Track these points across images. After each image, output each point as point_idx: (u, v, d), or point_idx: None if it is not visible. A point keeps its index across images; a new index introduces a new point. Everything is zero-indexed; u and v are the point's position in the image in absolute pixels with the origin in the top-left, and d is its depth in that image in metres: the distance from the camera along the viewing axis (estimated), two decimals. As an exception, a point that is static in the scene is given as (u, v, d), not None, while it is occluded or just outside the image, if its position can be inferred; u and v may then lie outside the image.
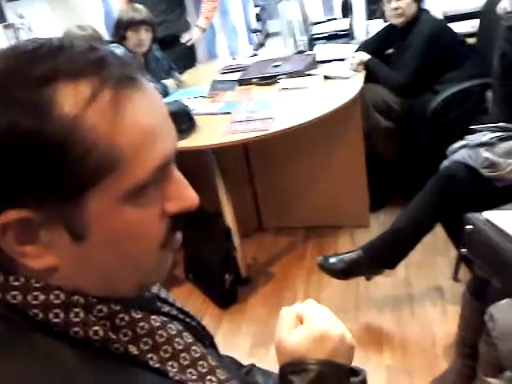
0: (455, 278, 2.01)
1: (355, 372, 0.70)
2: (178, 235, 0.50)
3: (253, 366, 0.81)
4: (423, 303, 1.98)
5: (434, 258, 2.18)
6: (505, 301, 1.10)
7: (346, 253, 1.88)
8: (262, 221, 2.70)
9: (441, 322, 1.86)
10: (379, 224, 2.44)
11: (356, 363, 0.74)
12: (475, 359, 1.32)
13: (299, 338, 0.58)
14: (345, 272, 1.85)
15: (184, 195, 0.48)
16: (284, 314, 0.61)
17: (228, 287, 2.14)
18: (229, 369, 0.57)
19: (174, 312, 0.58)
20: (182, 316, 0.59)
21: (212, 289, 2.22)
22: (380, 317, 1.95)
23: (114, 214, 0.43)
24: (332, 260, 1.87)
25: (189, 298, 2.25)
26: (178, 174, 0.48)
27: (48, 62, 0.41)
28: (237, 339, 1.99)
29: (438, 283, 2.05)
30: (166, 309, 0.57)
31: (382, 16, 2.58)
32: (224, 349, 0.76)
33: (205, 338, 0.62)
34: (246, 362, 0.84)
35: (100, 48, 0.44)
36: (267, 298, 2.19)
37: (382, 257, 1.81)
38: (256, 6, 3.47)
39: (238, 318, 2.10)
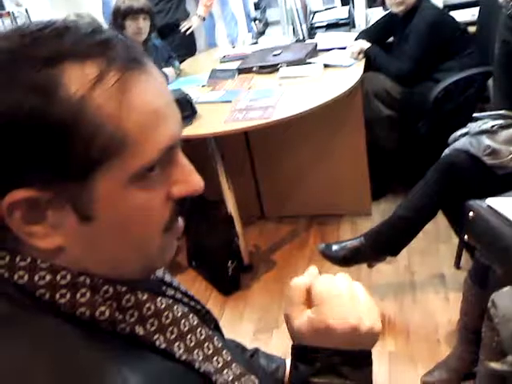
0: (457, 265, 2.04)
1: None
2: (180, 221, 0.51)
3: (257, 349, 0.82)
4: (425, 290, 2.00)
5: (436, 246, 2.20)
6: (507, 288, 1.12)
7: (348, 240, 1.89)
8: (264, 209, 2.71)
9: (443, 309, 1.88)
10: (381, 212, 2.45)
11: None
12: (477, 345, 1.34)
13: (305, 325, 0.55)
14: (347, 259, 1.87)
15: (189, 179, 0.48)
16: (294, 286, 0.59)
17: (231, 274, 2.16)
18: (233, 352, 0.58)
19: (179, 296, 0.58)
20: (186, 300, 0.59)
21: (215, 276, 2.23)
22: (382, 304, 1.97)
23: (121, 196, 0.43)
24: (334, 247, 1.88)
25: (192, 285, 2.27)
26: (183, 159, 0.49)
27: (54, 42, 0.41)
28: (240, 325, 2.01)
29: (440, 270, 2.07)
30: (171, 292, 0.58)
31: (382, 4, 2.57)
32: (227, 335, 0.77)
33: (210, 322, 0.63)
34: (249, 347, 0.85)
35: (105, 30, 0.44)
36: (269, 284, 2.21)
37: (384, 244, 1.82)
38: (255, -6, 3.45)
39: (240, 305, 2.12)
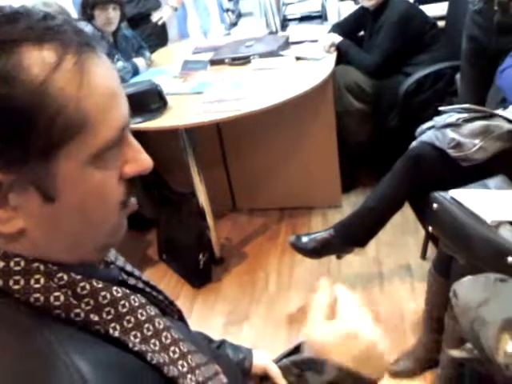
0: (423, 257, 2.08)
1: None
2: (133, 199, 0.52)
3: (223, 341, 0.82)
4: (392, 281, 2.03)
5: (403, 238, 2.24)
6: (467, 278, 1.15)
7: (318, 232, 1.91)
8: (236, 201, 2.71)
9: (409, 299, 1.92)
10: (351, 204, 2.48)
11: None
12: (441, 334, 1.37)
13: (326, 334, 0.57)
14: (316, 251, 1.88)
15: (139, 158, 0.50)
16: (317, 301, 0.61)
17: (202, 267, 2.15)
18: (199, 343, 0.58)
19: (141, 285, 0.58)
20: (148, 289, 0.59)
21: (186, 269, 2.23)
22: (351, 294, 1.99)
23: (81, 175, 0.45)
24: (304, 239, 1.90)
25: (163, 279, 2.26)
26: (132, 138, 0.50)
27: (7, 27, 0.42)
28: (211, 318, 2.01)
29: (406, 261, 2.11)
30: (132, 282, 0.58)
31: (354, -2, 2.58)
32: (198, 327, 0.77)
33: (173, 313, 0.63)
34: (218, 339, 0.85)
35: (56, 16, 0.45)
36: (241, 277, 2.22)
37: (353, 235, 1.85)
38: (228, -16, 3.42)
39: (211, 298, 2.12)
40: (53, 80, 0.41)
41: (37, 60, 0.41)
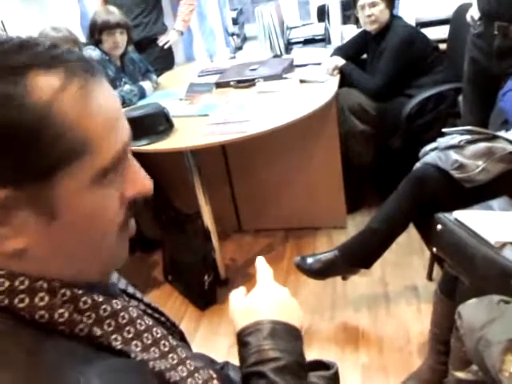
0: (429, 277, 2.07)
1: (327, 366, 0.73)
2: (132, 222, 0.54)
3: (227, 362, 0.83)
4: (398, 302, 2.02)
5: (409, 258, 2.23)
6: (472, 300, 1.15)
7: (323, 253, 1.91)
8: (241, 222, 2.72)
9: (415, 321, 1.91)
10: (356, 225, 2.48)
11: (333, 360, 0.76)
12: (447, 355, 1.36)
13: (248, 301, 0.67)
14: (322, 272, 1.88)
15: (139, 181, 0.52)
16: (233, 293, 0.72)
17: (207, 288, 2.15)
18: (201, 361, 0.59)
19: (142, 307, 0.60)
20: (150, 311, 0.60)
21: (191, 290, 2.22)
22: (356, 316, 1.99)
23: (82, 196, 0.46)
24: (309, 260, 1.90)
25: (168, 300, 2.26)
26: (134, 161, 0.52)
27: (17, 54, 0.44)
28: (215, 340, 2.00)
29: (412, 282, 2.10)
30: (134, 303, 0.59)
31: (356, 22, 2.63)
32: (203, 349, 0.78)
33: (175, 334, 0.64)
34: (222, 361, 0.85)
35: (61, 45, 0.48)
36: (246, 298, 2.21)
37: (358, 257, 1.85)
38: (233, 9, 3.49)
39: (216, 319, 2.12)
40: (57, 103, 0.44)
41: (43, 84, 0.43)
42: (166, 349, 0.54)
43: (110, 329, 0.49)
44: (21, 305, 0.45)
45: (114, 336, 0.49)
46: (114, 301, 0.52)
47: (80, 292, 0.49)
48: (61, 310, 0.46)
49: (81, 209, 0.46)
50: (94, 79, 0.47)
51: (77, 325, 0.47)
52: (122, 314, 0.51)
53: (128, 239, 0.54)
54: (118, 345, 0.49)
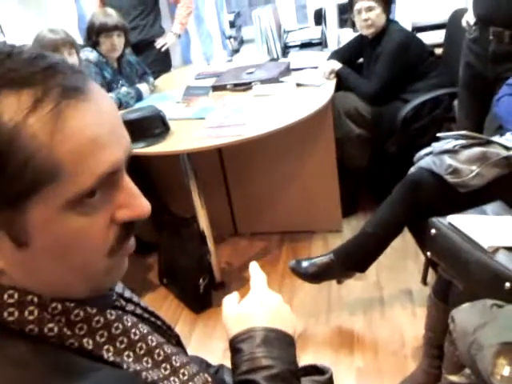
0: (424, 282, 2.08)
1: (321, 370, 0.73)
2: (131, 241, 0.51)
3: (221, 365, 0.83)
4: (393, 306, 2.03)
5: (403, 262, 2.24)
6: (465, 304, 1.15)
7: (318, 257, 1.91)
8: (237, 226, 2.72)
9: (410, 324, 1.91)
10: (351, 229, 2.49)
11: (327, 365, 0.77)
12: (441, 359, 1.37)
13: (241, 307, 0.67)
14: (317, 276, 1.89)
15: (134, 204, 0.48)
16: (226, 298, 0.71)
17: (202, 292, 2.15)
18: (197, 366, 0.59)
19: (139, 311, 0.60)
20: (147, 315, 0.60)
21: (186, 293, 2.22)
22: (351, 319, 1.99)
23: (56, 222, 0.44)
24: (304, 264, 1.90)
25: (163, 303, 2.25)
26: (128, 182, 0.49)
27: None
28: (210, 343, 2.00)
29: (407, 286, 2.11)
30: (131, 308, 0.59)
31: (352, 26, 2.64)
32: (198, 352, 0.78)
33: (171, 338, 0.64)
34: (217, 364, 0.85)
35: (49, 56, 0.45)
36: (241, 302, 2.21)
37: (353, 260, 1.85)
38: (230, 12, 3.50)
39: (212, 322, 2.11)
40: (25, 125, 0.41)
41: (12, 105, 0.41)
42: (160, 358, 0.53)
43: (102, 340, 0.49)
44: (10, 318, 0.45)
45: (106, 347, 0.49)
46: (108, 311, 0.51)
47: (72, 305, 0.48)
48: (50, 325, 0.46)
49: (55, 235, 0.44)
50: (76, 98, 0.43)
51: (67, 339, 0.47)
52: (115, 324, 0.51)
53: (125, 259, 0.52)
54: (110, 356, 0.48)
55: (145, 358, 0.52)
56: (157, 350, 0.54)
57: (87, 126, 0.44)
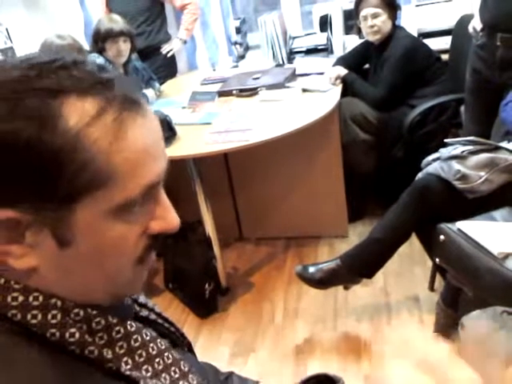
0: (431, 288, 2.06)
1: (333, 380, 0.72)
2: (153, 254, 0.53)
3: (231, 373, 0.82)
4: (400, 312, 2.01)
5: (411, 268, 2.22)
6: (475, 311, 1.14)
7: (325, 262, 1.90)
8: (243, 230, 2.72)
9: (417, 331, 1.90)
10: (358, 234, 2.48)
11: (334, 372, 0.76)
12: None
13: None
14: (323, 281, 1.88)
15: (167, 216, 0.50)
16: None
17: (208, 297, 2.14)
18: (206, 375, 0.59)
19: (153, 317, 0.59)
20: (160, 321, 0.60)
21: (192, 298, 2.22)
22: (358, 326, 1.98)
23: (100, 226, 0.45)
24: (311, 269, 1.89)
25: (168, 308, 2.25)
26: (163, 195, 0.51)
27: (59, 76, 0.43)
28: (216, 349, 1.99)
29: (414, 292, 2.09)
30: (145, 313, 0.59)
31: (358, 33, 2.64)
32: (203, 358, 0.77)
33: (183, 344, 0.63)
34: (225, 371, 0.85)
35: (109, 70, 0.47)
36: (247, 307, 2.20)
37: (360, 266, 1.84)
38: (236, 18, 3.51)
39: (217, 328, 2.11)
40: (87, 132, 0.43)
41: (77, 111, 0.43)
42: (177, 375, 0.53)
43: (122, 351, 0.49)
44: (33, 321, 0.45)
45: (124, 359, 0.49)
46: (129, 322, 0.51)
47: (94, 312, 0.48)
48: (72, 330, 0.46)
49: (97, 238, 0.46)
50: (135, 110, 0.46)
51: (87, 346, 0.47)
52: (134, 336, 0.51)
53: (146, 272, 0.53)
54: (127, 369, 0.48)
55: (163, 375, 0.52)
56: (173, 368, 0.54)
57: (142, 138, 0.46)
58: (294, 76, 2.66)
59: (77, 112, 0.43)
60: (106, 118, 0.44)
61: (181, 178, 2.23)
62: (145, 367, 0.50)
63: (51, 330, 0.45)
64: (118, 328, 0.50)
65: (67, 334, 0.46)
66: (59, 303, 0.47)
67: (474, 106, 2.18)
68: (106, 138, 0.44)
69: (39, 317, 0.45)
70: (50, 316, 0.46)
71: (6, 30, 3.12)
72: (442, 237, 1.40)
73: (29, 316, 0.45)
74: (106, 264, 0.47)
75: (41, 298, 0.46)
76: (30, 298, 0.46)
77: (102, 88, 0.45)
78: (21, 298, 0.45)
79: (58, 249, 0.45)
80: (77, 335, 0.46)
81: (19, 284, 0.46)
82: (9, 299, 0.45)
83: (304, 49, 3.18)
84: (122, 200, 0.45)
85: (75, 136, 0.42)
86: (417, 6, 3.00)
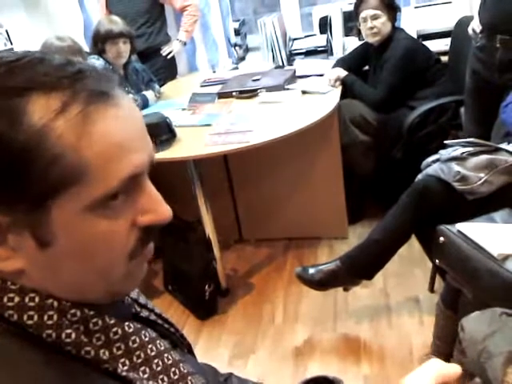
0: (431, 289, 2.07)
1: (333, 382, 0.72)
2: (150, 246, 0.52)
3: (231, 374, 0.82)
4: (400, 314, 2.01)
5: (411, 269, 2.22)
6: (475, 313, 1.14)
7: (324, 264, 1.90)
8: (242, 232, 2.72)
9: (418, 332, 1.89)
10: (357, 235, 2.48)
11: (334, 373, 0.76)
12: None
13: None
14: (323, 283, 1.88)
15: (156, 208, 0.49)
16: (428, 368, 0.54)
17: (208, 298, 2.14)
18: (206, 376, 0.58)
19: (153, 317, 0.59)
20: (160, 321, 0.60)
21: (192, 300, 2.22)
22: (358, 327, 1.98)
23: (80, 223, 0.44)
24: (310, 271, 1.89)
25: (168, 309, 2.25)
26: (150, 187, 0.50)
27: (26, 73, 0.43)
28: (216, 350, 1.99)
29: (414, 294, 2.09)
30: (145, 314, 0.58)
31: (358, 35, 2.64)
32: (203, 360, 0.77)
33: (183, 346, 0.63)
34: (223, 372, 0.85)
35: (79, 62, 0.46)
36: (247, 309, 2.20)
37: (360, 268, 1.84)
38: (236, 20, 3.51)
39: (217, 330, 2.11)
40: (53, 127, 0.42)
41: (41, 107, 0.42)
42: (176, 377, 0.53)
43: (119, 352, 0.49)
44: (29, 321, 0.45)
45: (122, 360, 0.48)
46: (127, 323, 0.51)
47: (91, 313, 0.48)
48: (68, 331, 0.46)
49: (79, 236, 0.45)
50: (105, 102, 0.45)
51: (84, 346, 0.46)
52: (133, 337, 0.50)
53: (144, 265, 0.52)
54: (124, 370, 0.48)
55: (161, 376, 0.51)
56: (172, 369, 0.53)
57: (114, 131, 0.45)
58: (293, 78, 2.67)
59: (41, 108, 0.42)
60: (71, 112, 0.43)
61: (181, 179, 2.23)
62: (142, 368, 0.50)
63: (47, 331, 0.45)
64: (115, 329, 0.49)
65: (63, 335, 0.45)
66: (56, 304, 0.46)
67: (474, 107, 2.18)
68: (73, 132, 0.42)
69: (35, 318, 0.45)
70: (46, 317, 0.45)
71: (6, 31, 3.13)
72: (441, 238, 1.40)
73: (25, 317, 0.45)
74: (95, 260, 0.46)
75: (37, 299, 0.46)
76: (26, 299, 0.46)
77: (69, 82, 0.44)
78: (17, 299, 0.45)
79: (39, 250, 0.44)
80: (73, 336, 0.46)
81: (15, 285, 0.46)
82: (5, 300, 0.45)
83: (304, 50, 3.18)
84: (100, 195, 0.44)
85: (39, 131, 0.42)
86: (416, 7, 3.01)
